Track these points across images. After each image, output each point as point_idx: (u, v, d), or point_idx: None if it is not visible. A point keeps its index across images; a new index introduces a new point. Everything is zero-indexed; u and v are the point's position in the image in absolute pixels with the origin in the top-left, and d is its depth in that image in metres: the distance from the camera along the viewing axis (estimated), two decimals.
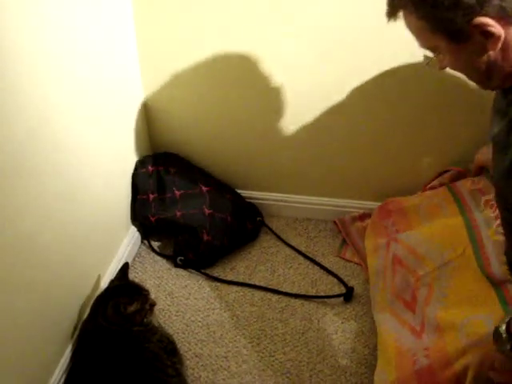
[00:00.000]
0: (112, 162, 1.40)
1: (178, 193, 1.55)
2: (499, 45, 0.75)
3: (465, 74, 0.85)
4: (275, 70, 1.42)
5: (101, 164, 1.31)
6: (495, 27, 0.73)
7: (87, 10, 1.15)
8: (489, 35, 0.74)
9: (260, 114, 1.53)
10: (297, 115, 1.51)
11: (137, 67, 1.48)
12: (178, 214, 1.51)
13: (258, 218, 1.67)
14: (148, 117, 1.60)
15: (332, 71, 1.39)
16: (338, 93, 1.44)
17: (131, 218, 1.57)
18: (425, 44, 0.83)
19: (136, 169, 1.56)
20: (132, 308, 1.14)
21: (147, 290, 1.21)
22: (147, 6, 1.36)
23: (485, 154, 1.33)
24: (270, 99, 1.49)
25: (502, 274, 1.07)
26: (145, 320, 1.16)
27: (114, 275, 1.29)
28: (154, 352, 1.12)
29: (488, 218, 1.21)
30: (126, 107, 1.46)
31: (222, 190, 1.64)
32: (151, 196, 1.55)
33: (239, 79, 1.46)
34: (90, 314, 1.20)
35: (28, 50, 0.94)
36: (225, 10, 1.33)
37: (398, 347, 1.14)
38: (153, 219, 1.53)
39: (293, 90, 1.46)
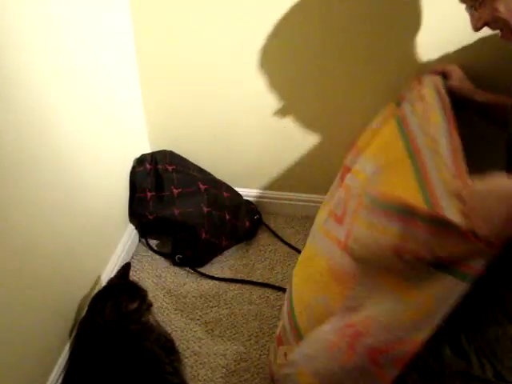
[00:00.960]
0: (110, 160, 1.39)
1: (175, 191, 1.55)
2: None
3: (503, 27, 0.88)
4: (275, 66, 1.42)
5: (98, 162, 1.31)
6: None
7: (86, 8, 1.15)
8: None
9: (257, 111, 1.53)
10: (295, 113, 1.51)
11: (134, 66, 1.48)
12: (176, 212, 1.51)
13: (256, 216, 1.67)
14: (146, 115, 1.60)
15: (331, 70, 1.40)
16: (336, 92, 1.44)
17: (129, 217, 1.57)
18: (493, 10, 0.84)
19: (134, 167, 1.56)
20: (132, 307, 1.14)
21: (145, 290, 1.21)
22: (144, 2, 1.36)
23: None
24: (268, 97, 1.49)
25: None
26: (142, 319, 1.16)
27: (114, 274, 1.28)
28: (151, 350, 1.12)
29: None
30: (124, 105, 1.46)
31: (219, 187, 1.64)
32: (149, 194, 1.54)
33: (236, 77, 1.46)
34: (87, 313, 1.20)
35: (26, 48, 0.93)
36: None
37: (331, 267, 1.00)
38: (151, 217, 1.53)
39: (290, 89, 1.46)
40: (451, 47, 1.26)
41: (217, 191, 1.61)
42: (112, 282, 1.25)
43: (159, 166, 1.56)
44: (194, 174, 1.61)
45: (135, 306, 1.15)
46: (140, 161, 1.57)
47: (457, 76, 1.16)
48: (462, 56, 1.25)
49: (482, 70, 1.24)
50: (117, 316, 1.13)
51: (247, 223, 1.62)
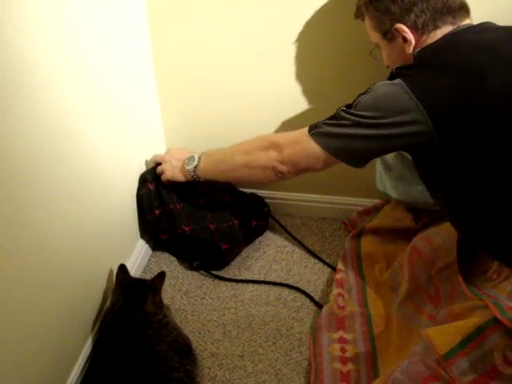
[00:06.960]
0: (128, 164, 1.42)
1: (178, 206, 1.50)
2: (411, 48, 1.03)
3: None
4: (287, 68, 1.43)
5: (118, 167, 1.34)
6: (409, 34, 1.02)
7: (102, 13, 1.17)
8: (406, 40, 1.02)
9: (272, 113, 1.53)
10: (311, 113, 1.50)
11: (152, 77, 1.51)
12: (187, 229, 1.48)
13: (266, 209, 1.64)
14: (164, 124, 1.63)
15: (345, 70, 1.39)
16: (348, 91, 1.43)
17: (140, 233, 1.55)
18: (371, 39, 1.12)
19: (138, 190, 1.47)
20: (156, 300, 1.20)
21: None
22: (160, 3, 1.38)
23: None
24: (282, 99, 1.49)
25: None
26: (164, 312, 1.21)
27: (116, 277, 1.28)
28: (161, 355, 1.11)
29: None
30: (140, 112, 1.48)
31: (219, 194, 1.58)
32: (157, 212, 1.48)
33: (255, 82, 1.48)
34: (118, 311, 1.19)
35: (44, 52, 0.95)
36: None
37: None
38: (164, 237, 1.51)
39: (306, 89, 1.46)
40: None
41: (217, 199, 1.56)
42: (127, 281, 1.25)
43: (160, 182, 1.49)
44: (192, 184, 1.48)
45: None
46: (142, 181, 1.48)
47: None
48: None
49: None
50: (156, 311, 1.18)
51: (258, 219, 1.60)
